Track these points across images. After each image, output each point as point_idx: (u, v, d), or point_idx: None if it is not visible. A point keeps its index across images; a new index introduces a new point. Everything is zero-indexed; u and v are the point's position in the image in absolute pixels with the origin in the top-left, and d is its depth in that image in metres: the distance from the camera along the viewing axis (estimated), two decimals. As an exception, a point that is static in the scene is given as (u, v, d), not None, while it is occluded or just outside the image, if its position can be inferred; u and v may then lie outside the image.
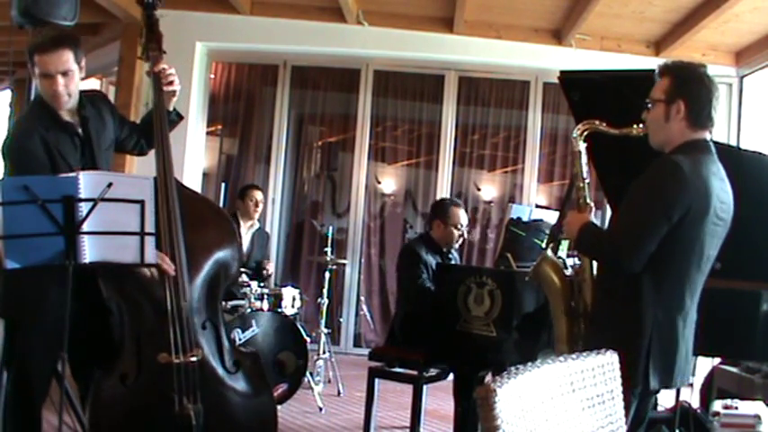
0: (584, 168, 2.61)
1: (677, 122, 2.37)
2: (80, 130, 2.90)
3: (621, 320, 2.38)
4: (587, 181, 2.63)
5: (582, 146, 2.60)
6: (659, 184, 2.30)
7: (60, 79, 2.75)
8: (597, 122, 2.59)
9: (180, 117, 3.25)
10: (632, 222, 2.34)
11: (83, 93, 2.95)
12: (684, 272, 2.35)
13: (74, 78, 2.80)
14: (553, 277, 2.71)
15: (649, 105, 2.43)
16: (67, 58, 2.75)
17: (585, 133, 2.60)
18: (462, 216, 4.34)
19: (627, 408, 2.33)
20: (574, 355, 1.63)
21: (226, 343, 2.94)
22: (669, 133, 2.40)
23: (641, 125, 2.48)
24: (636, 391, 2.36)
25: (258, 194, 5.61)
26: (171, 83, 3.05)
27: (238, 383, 2.91)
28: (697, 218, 2.29)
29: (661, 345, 2.33)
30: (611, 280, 2.45)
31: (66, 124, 2.86)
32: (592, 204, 2.60)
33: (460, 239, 4.35)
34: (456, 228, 4.28)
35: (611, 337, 2.29)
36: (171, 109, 3.13)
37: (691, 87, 2.37)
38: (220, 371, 2.87)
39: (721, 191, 2.37)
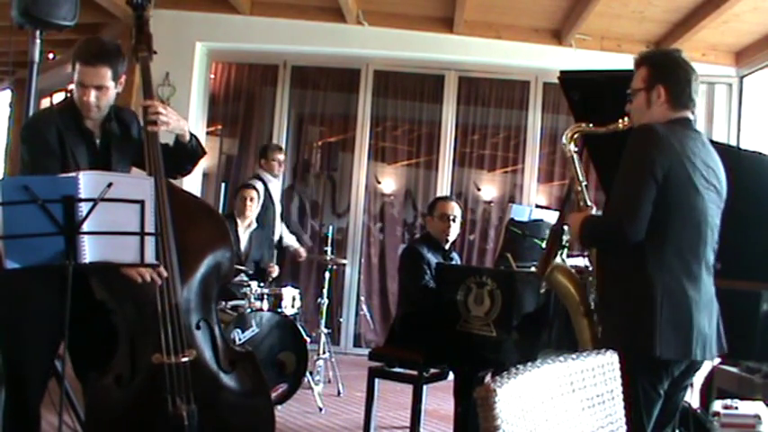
0: (580, 171, 2.66)
1: (659, 106, 2.44)
2: (98, 142, 2.91)
3: (630, 293, 2.38)
4: (585, 183, 2.66)
5: (573, 150, 2.65)
6: (636, 148, 2.37)
7: (93, 92, 2.79)
8: (584, 125, 2.67)
9: (202, 150, 3.12)
10: (623, 192, 2.38)
11: (114, 107, 2.95)
12: (683, 236, 2.36)
13: (107, 94, 2.83)
14: (567, 284, 2.71)
15: (631, 97, 2.50)
16: (105, 74, 2.78)
17: (575, 137, 2.66)
18: (451, 207, 4.38)
19: (649, 406, 2.34)
20: (574, 355, 1.63)
21: (221, 342, 2.93)
22: (652, 118, 2.45)
23: (626, 119, 2.54)
24: (660, 387, 2.36)
25: (250, 192, 5.61)
26: (153, 123, 2.87)
27: (234, 383, 2.90)
28: (681, 177, 2.33)
29: (672, 312, 2.32)
30: (615, 259, 2.46)
31: (85, 131, 2.88)
32: (592, 205, 2.62)
33: (455, 231, 4.37)
34: (444, 219, 4.32)
35: (625, 317, 2.36)
36: (187, 140, 3.03)
37: (668, 71, 2.45)
38: (216, 371, 2.86)
39: (706, 156, 2.42)
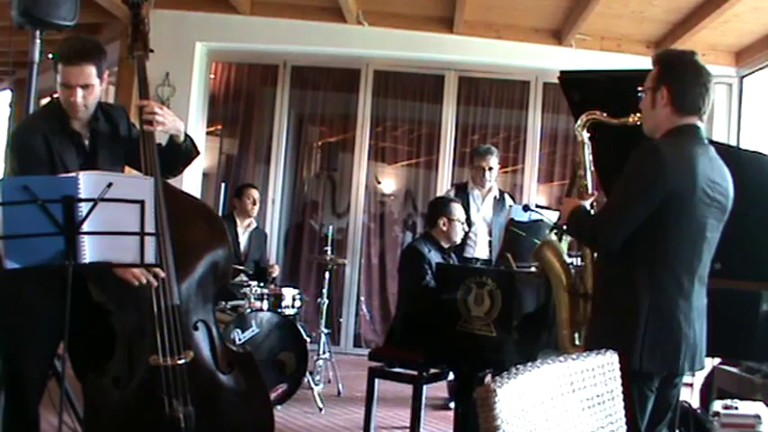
0: (588, 158, 2.67)
1: (662, 108, 2.39)
2: (86, 143, 2.89)
3: (618, 308, 2.40)
4: (591, 170, 2.68)
5: (585, 136, 2.66)
6: (637, 167, 2.35)
7: (79, 91, 2.77)
8: (598, 113, 2.66)
9: (196, 150, 3.11)
10: (611, 204, 2.44)
11: (102, 104, 2.93)
12: (676, 254, 2.35)
13: (93, 92, 2.81)
14: (552, 259, 2.87)
15: (642, 94, 2.49)
16: (89, 72, 2.76)
17: (588, 123, 2.66)
18: (462, 211, 4.42)
19: (642, 404, 2.35)
20: (574, 355, 1.63)
21: (219, 343, 2.92)
22: (656, 120, 2.43)
23: (638, 115, 2.54)
24: (652, 384, 2.37)
25: (255, 193, 5.62)
26: (149, 123, 2.88)
27: (233, 384, 2.89)
28: (683, 199, 2.30)
29: (660, 330, 2.32)
30: (609, 269, 2.49)
31: (73, 134, 2.86)
32: (594, 192, 2.66)
33: (462, 234, 4.40)
34: (459, 222, 4.35)
35: (609, 327, 2.40)
36: (182, 140, 3.02)
37: (675, 73, 2.39)
38: (214, 372, 2.86)
39: (711, 171, 2.37)
